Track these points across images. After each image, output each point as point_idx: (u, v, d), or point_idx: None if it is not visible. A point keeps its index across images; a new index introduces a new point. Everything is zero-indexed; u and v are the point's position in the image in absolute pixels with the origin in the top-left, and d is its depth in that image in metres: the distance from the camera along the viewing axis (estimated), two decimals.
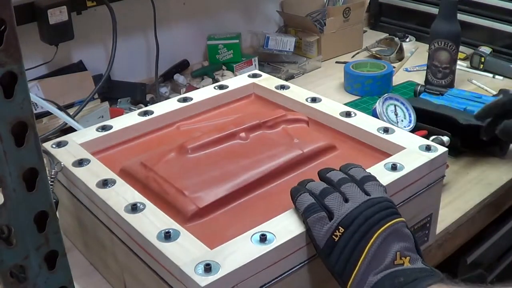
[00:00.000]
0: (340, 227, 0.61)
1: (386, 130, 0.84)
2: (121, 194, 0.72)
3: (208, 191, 0.73)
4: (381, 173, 0.74)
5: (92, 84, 1.31)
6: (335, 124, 0.90)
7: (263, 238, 0.63)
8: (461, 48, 1.41)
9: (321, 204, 0.64)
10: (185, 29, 1.54)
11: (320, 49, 1.60)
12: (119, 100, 1.31)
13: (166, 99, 1.09)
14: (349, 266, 0.60)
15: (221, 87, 1.02)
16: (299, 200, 0.66)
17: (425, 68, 1.40)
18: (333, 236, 0.62)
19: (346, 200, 0.64)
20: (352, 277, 0.60)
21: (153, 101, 1.35)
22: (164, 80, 1.49)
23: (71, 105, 1.25)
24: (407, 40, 1.71)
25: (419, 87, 1.33)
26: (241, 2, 1.64)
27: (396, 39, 1.65)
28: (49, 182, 0.66)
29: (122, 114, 1.19)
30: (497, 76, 1.45)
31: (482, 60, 1.47)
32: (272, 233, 0.64)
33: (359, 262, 0.60)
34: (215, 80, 1.46)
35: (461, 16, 1.39)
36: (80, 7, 1.28)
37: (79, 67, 1.35)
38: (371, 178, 0.67)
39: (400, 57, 1.60)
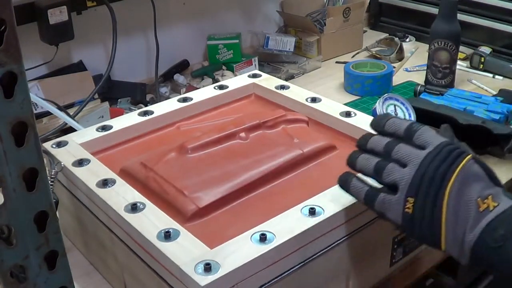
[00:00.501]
0: (408, 199, 0.58)
1: None
2: (121, 194, 0.72)
3: (208, 191, 0.73)
4: None
5: (92, 84, 1.31)
6: (335, 124, 0.90)
7: (263, 238, 0.63)
8: (461, 48, 1.41)
9: (379, 182, 0.62)
10: (185, 29, 1.54)
11: (320, 49, 1.60)
12: (119, 100, 1.31)
13: (166, 99, 1.09)
14: (435, 232, 0.58)
15: (221, 87, 1.02)
16: (353, 188, 0.63)
17: (425, 68, 1.40)
18: (406, 210, 0.59)
19: (403, 166, 0.60)
20: (443, 241, 0.58)
21: (153, 101, 1.35)
22: (164, 80, 1.49)
23: (71, 105, 1.25)
24: (407, 40, 1.71)
25: (419, 87, 1.33)
26: (241, 2, 1.64)
27: (396, 39, 1.65)
28: (49, 182, 0.66)
29: (122, 114, 1.19)
30: (497, 76, 1.45)
31: (482, 60, 1.47)
32: (272, 233, 0.64)
33: (442, 226, 0.57)
34: (215, 80, 1.46)
35: (461, 16, 1.39)
36: (80, 7, 1.28)
37: (79, 67, 1.35)
38: (413, 126, 0.62)
39: (400, 57, 1.60)
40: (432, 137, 0.60)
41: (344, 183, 0.65)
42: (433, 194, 0.57)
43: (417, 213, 0.58)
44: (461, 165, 0.58)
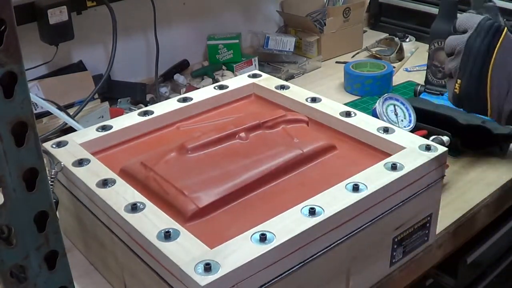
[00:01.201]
0: (458, 80, 0.74)
1: (386, 130, 0.84)
2: (121, 194, 0.72)
3: (208, 190, 0.73)
4: (381, 172, 0.74)
5: (92, 84, 1.31)
6: (335, 124, 0.90)
7: (263, 238, 0.63)
8: None
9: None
10: (185, 29, 1.54)
11: (320, 49, 1.60)
12: (119, 100, 1.31)
13: (166, 99, 1.09)
14: (483, 105, 0.74)
15: (221, 87, 1.02)
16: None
17: (425, 68, 1.39)
18: (455, 90, 0.76)
19: (453, 54, 0.76)
20: (489, 111, 0.74)
21: (153, 101, 1.35)
22: (164, 80, 1.49)
23: (71, 105, 1.25)
24: (407, 40, 1.71)
25: (419, 87, 1.33)
26: (241, 2, 1.64)
27: (396, 39, 1.65)
28: (49, 182, 0.66)
29: (122, 114, 1.19)
30: None
31: None
32: (272, 233, 0.64)
33: (488, 99, 0.71)
34: (215, 80, 1.46)
35: None
36: (80, 7, 1.29)
37: (79, 67, 1.35)
38: (457, 19, 0.76)
39: (400, 57, 1.60)
40: (468, 20, 0.74)
41: None
42: (477, 73, 0.70)
43: (463, 92, 0.73)
44: (499, 42, 0.69)
